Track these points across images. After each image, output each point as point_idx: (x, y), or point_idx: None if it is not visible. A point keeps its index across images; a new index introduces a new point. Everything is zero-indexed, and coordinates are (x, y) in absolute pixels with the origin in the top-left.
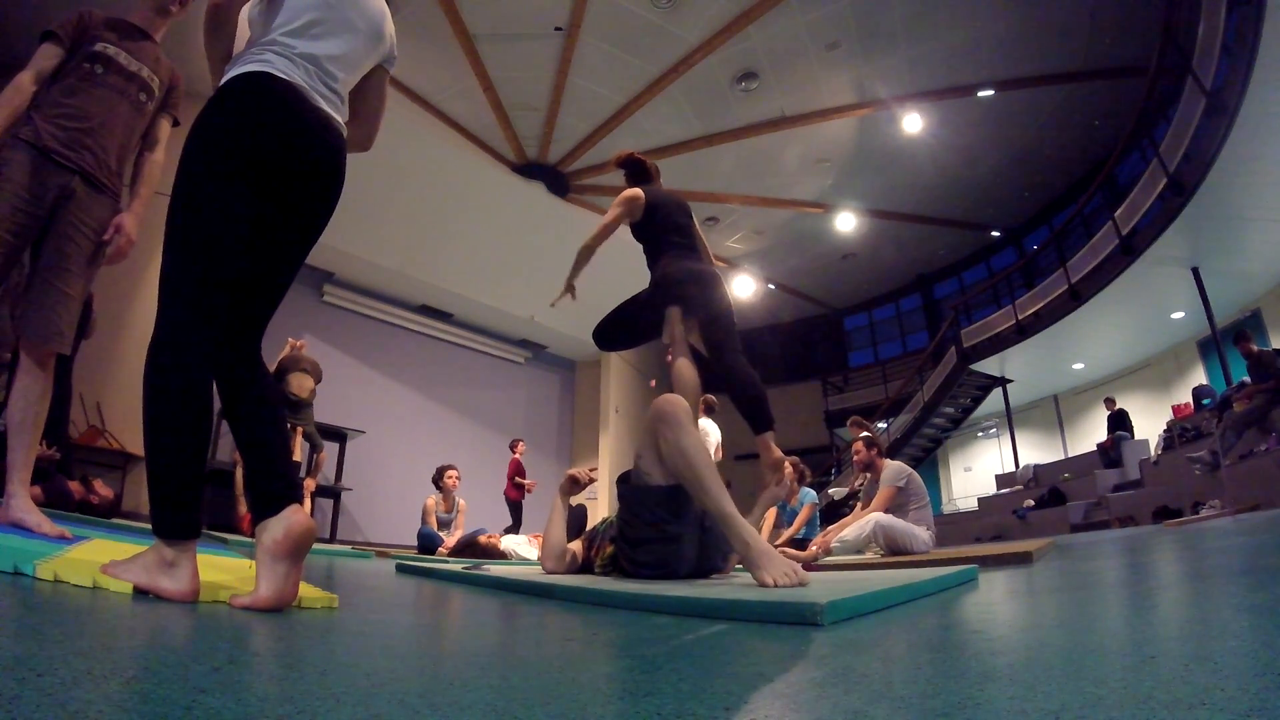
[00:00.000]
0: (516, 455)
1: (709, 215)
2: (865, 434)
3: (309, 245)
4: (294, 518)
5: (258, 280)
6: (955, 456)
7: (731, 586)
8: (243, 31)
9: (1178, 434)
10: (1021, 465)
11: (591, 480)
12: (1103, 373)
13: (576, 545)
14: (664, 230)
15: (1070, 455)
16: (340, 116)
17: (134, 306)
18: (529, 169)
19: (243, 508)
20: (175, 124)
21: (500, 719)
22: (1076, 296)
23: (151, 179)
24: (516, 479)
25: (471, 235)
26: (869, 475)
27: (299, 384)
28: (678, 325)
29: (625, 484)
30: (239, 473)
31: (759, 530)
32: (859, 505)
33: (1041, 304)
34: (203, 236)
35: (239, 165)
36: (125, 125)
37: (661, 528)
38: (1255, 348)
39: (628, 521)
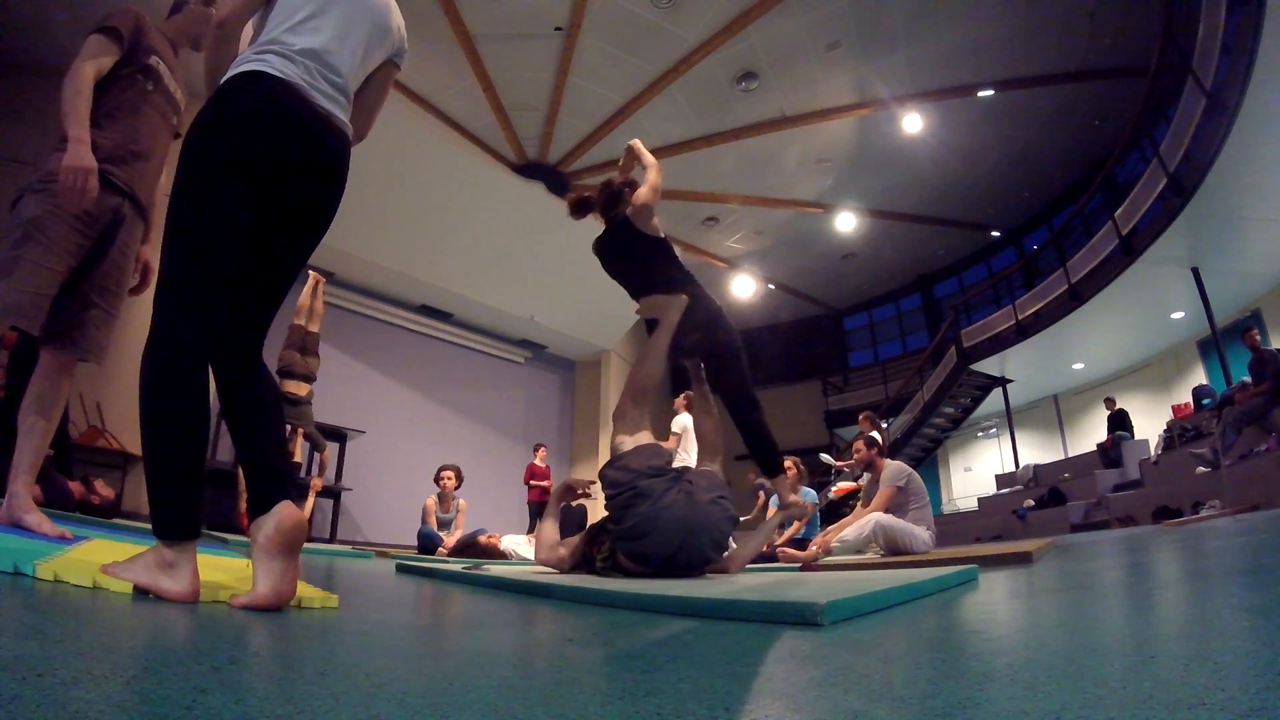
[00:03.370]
0: (536, 460)
1: (709, 215)
2: (872, 433)
3: (311, 246)
4: (284, 512)
5: (258, 280)
6: (955, 456)
7: (731, 586)
8: (245, 33)
9: (1178, 434)
10: (1021, 465)
11: (586, 495)
12: (1103, 373)
13: (574, 541)
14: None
15: (1070, 455)
16: (344, 115)
17: (134, 307)
18: (529, 169)
19: (244, 504)
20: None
21: (500, 719)
22: (1076, 296)
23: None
24: (531, 481)
25: (471, 235)
26: (869, 474)
27: (294, 387)
28: (674, 314)
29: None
30: (242, 471)
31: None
32: (859, 504)
33: (1041, 304)
34: (201, 236)
35: (237, 165)
36: (163, 148)
37: (635, 485)
38: (1258, 338)
39: (610, 497)
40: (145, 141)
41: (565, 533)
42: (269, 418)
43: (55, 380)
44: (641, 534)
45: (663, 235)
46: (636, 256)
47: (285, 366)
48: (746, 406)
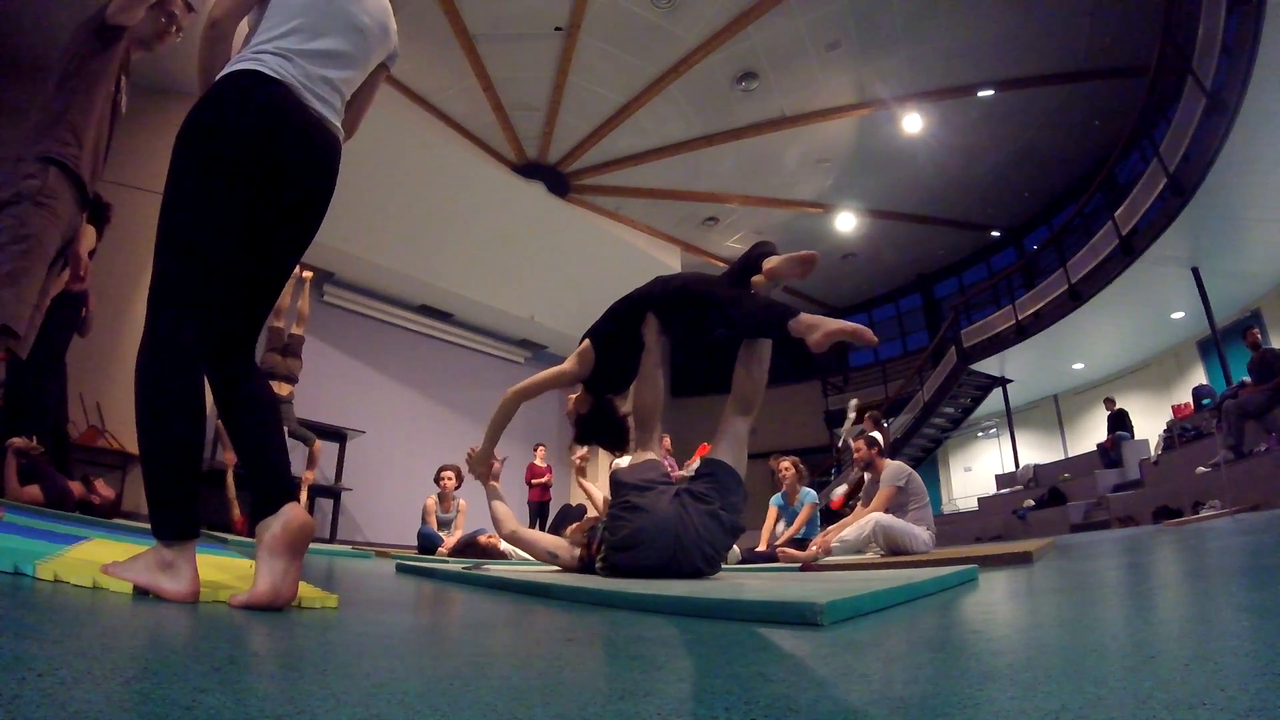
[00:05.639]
0: (536, 459)
1: (709, 215)
2: (872, 433)
3: (302, 247)
4: (291, 513)
5: (249, 281)
6: (955, 456)
7: (731, 586)
8: (241, 31)
9: (1178, 434)
10: (1021, 465)
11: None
12: (1103, 373)
13: (575, 536)
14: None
15: (1070, 455)
16: (336, 118)
17: (133, 307)
18: (529, 169)
19: (236, 511)
20: None
21: (500, 719)
22: (1076, 296)
23: None
24: (531, 481)
25: (471, 235)
26: (869, 474)
27: (276, 388)
28: (651, 335)
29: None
30: (230, 476)
31: (761, 532)
32: (859, 504)
33: (1041, 304)
34: (192, 235)
35: (227, 163)
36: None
37: (627, 500)
38: (1259, 337)
39: (610, 505)
40: (101, 161)
41: (565, 531)
42: (268, 419)
43: None
44: (632, 545)
45: (587, 369)
46: (614, 371)
47: (267, 369)
48: (736, 315)
